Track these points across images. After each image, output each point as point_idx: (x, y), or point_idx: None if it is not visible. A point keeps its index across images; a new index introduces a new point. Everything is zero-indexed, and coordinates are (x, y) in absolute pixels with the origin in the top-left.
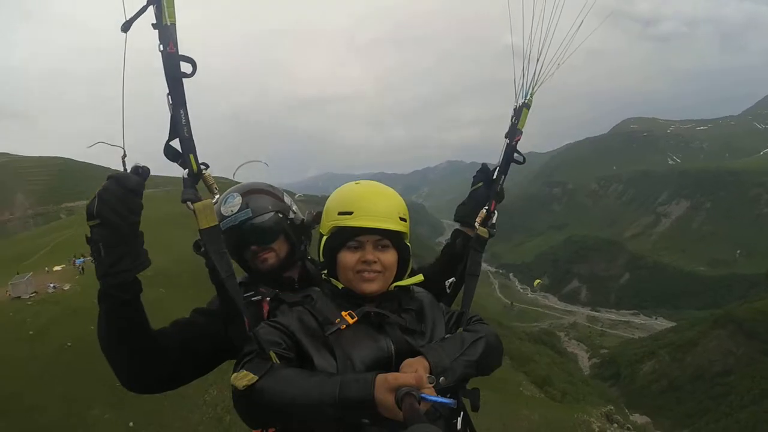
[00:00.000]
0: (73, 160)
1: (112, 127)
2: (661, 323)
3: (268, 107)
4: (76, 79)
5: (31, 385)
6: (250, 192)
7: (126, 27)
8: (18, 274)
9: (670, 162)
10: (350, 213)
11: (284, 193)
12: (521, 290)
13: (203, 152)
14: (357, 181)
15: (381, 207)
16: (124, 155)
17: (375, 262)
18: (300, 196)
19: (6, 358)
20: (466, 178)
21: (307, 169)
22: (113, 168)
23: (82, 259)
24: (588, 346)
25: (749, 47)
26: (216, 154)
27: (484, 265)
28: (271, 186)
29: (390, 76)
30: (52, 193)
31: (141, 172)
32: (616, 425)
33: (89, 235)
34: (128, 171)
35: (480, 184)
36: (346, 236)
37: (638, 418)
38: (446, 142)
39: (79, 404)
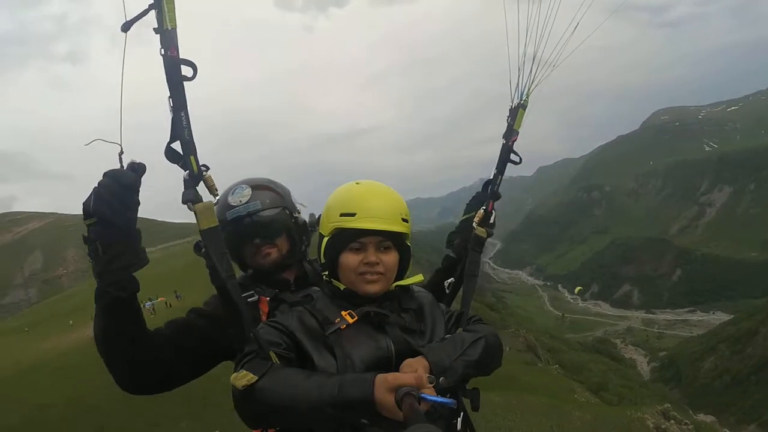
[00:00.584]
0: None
1: (149, 179)
2: (719, 317)
3: (298, 146)
4: (112, 138)
5: (122, 407)
6: (259, 186)
7: (126, 27)
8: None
9: (707, 148)
10: (353, 214)
11: (290, 192)
12: (571, 300)
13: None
14: (357, 181)
15: (384, 208)
16: (121, 152)
17: (378, 263)
18: None
19: (95, 387)
20: (502, 193)
21: None
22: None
23: (150, 302)
24: (646, 350)
25: (765, 16)
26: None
27: (530, 280)
28: (278, 184)
29: (408, 101)
30: None
31: (137, 168)
32: (673, 421)
33: (86, 235)
34: (125, 168)
35: (472, 213)
36: (348, 238)
37: (703, 418)
38: (476, 160)
39: (168, 419)
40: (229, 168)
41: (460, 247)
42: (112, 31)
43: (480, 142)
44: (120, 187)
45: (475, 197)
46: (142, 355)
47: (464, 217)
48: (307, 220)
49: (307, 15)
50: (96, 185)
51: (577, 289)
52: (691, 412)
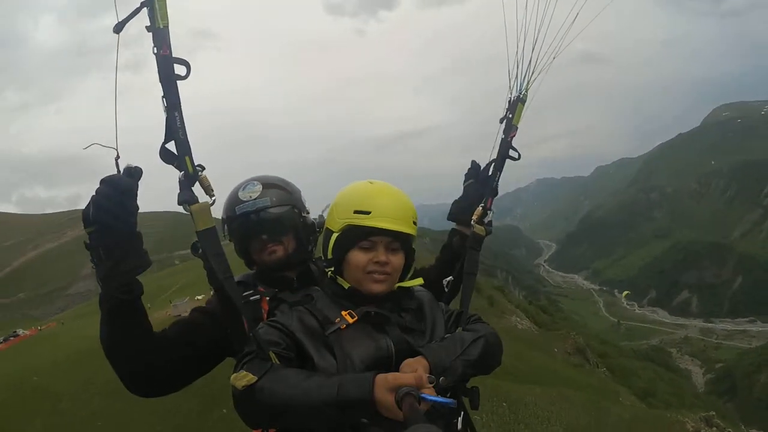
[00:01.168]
0: (183, 213)
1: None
2: None
3: (355, 149)
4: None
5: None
6: (271, 183)
7: (118, 28)
8: (149, 306)
9: None
10: (367, 213)
11: (301, 192)
12: (628, 306)
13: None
14: (371, 180)
15: (398, 209)
16: (117, 157)
17: (387, 263)
18: None
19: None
20: (558, 195)
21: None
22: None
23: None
24: (702, 361)
25: None
26: (312, 199)
27: (586, 284)
28: (289, 183)
29: (461, 101)
30: (166, 242)
31: (133, 172)
32: (715, 429)
33: (88, 242)
34: (121, 172)
35: (471, 180)
36: (359, 235)
37: None
38: (533, 160)
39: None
40: (286, 168)
41: (459, 245)
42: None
43: (537, 141)
44: (118, 194)
45: (459, 202)
46: (149, 358)
47: (465, 184)
48: (316, 221)
49: (357, 19)
50: (94, 193)
51: (625, 293)
52: (742, 426)
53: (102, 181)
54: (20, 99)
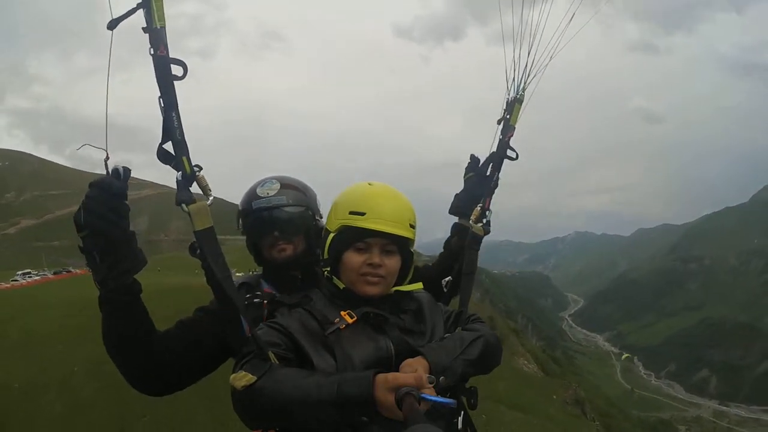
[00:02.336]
0: (223, 200)
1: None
2: None
3: (403, 171)
4: (214, 131)
5: None
6: (289, 184)
7: (112, 25)
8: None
9: None
10: (362, 214)
11: (317, 196)
12: (645, 375)
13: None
14: (370, 182)
15: (393, 211)
16: (107, 158)
17: (381, 266)
18: (427, 257)
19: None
20: (595, 250)
21: (434, 231)
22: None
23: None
24: None
25: None
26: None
27: (607, 345)
28: (307, 186)
29: (522, 140)
30: None
31: (122, 174)
32: None
33: (81, 246)
34: (109, 174)
35: (471, 174)
36: (354, 236)
37: None
38: (576, 211)
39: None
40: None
41: (457, 246)
42: (241, 35)
43: (583, 193)
44: (109, 197)
45: (460, 196)
46: (153, 357)
47: (466, 177)
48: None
49: (423, 46)
50: (84, 198)
51: (625, 356)
52: None
53: (91, 185)
54: (90, 64)
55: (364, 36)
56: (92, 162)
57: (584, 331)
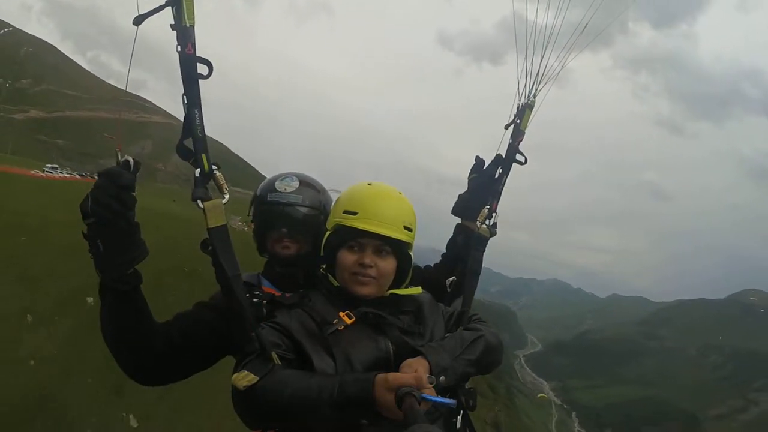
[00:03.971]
0: (229, 150)
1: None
2: None
3: (407, 174)
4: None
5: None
6: (308, 183)
7: (138, 21)
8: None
9: None
10: (355, 213)
11: (332, 201)
12: None
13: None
14: (370, 182)
15: (387, 212)
16: (119, 148)
17: (371, 266)
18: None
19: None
20: (568, 302)
21: (417, 239)
22: (260, 172)
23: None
24: None
25: None
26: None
27: (550, 395)
28: (325, 190)
29: (527, 181)
30: None
31: (132, 166)
32: None
33: (85, 232)
34: (119, 165)
35: (475, 175)
36: (347, 236)
37: None
38: (561, 261)
39: None
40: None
41: (462, 246)
42: None
43: (575, 248)
44: (117, 188)
45: (464, 198)
46: (150, 347)
47: (470, 178)
48: None
49: (461, 59)
50: (93, 187)
51: (540, 395)
52: None
53: (100, 175)
54: None
55: (408, 35)
56: (109, 70)
57: (533, 374)
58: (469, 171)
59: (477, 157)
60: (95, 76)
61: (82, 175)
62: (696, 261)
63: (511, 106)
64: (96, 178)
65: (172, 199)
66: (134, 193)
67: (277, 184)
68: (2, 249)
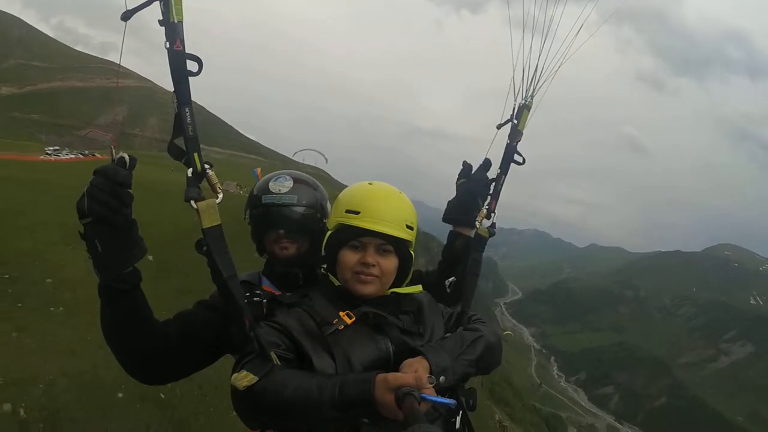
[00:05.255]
0: (207, 110)
1: (246, 83)
2: None
3: (385, 125)
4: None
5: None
6: (302, 181)
7: (126, 16)
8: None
9: (752, 302)
10: (357, 212)
11: (327, 198)
12: (556, 376)
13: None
14: (371, 182)
15: (388, 211)
16: (114, 144)
17: (374, 265)
18: None
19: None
20: (546, 252)
21: (406, 193)
22: (242, 132)
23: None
24: None
25: None
26: (317, 141)
27: (530, 340)
28: (320, 186)
29: (505, 132)
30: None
31: (128, 163)
32: None
33: (82, 232)
34: (114, 162)
35: (463, 180)
36: (349, 235)
37: None
38: (541, 212)
39: None
40: (312, 123)
41: (460, 247)
42: None
43: (554, 199)
44: (114, 186)
45: (458, 198)
46: (151, 346)
47: (458, 183)
48: None
49: (441, 9)
50: (88, 185)
51: (506, 332)
52: None
53: (96, 172)
54: None
55: None
56: (76, 35)
57: (513, 321)
58: (457, 176)
59: (464, 162)
60: (62, 44)
61: (83, 155)
62: (674, 215)
63: (507, 99)
64: (96, 156)
65: (170, 168)
66: (131, 190)
67: (271, 185)
68: None
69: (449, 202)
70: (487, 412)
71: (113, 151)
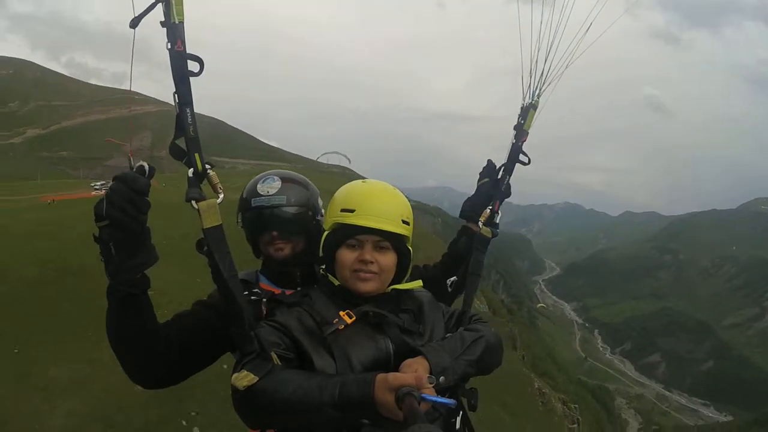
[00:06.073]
0: (226, 123)
1: (261, 95)
2: (728, 420)
3: (400, 114)
4: (224, 50)
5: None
6: (290, 180)
7: (134, 24)
8: None
9: None
10: (352, 211)
11: (318, 194)
12: (601, 348)
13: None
14: (364, 180)
15: (383, 207)
16: (131, 153)
17: (372, 262)
18: (413, 202)
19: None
20: (580, 224)
21: (424, 179)
22: (258, 138)
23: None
24: (644, 420)
25: None
26: (337, 142)
27: (571, 314)
28: (310, 184)
29: (516, 101)
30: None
31: (147, 171)
32: None
33: (97, 235)
34: (133, 169)
35: (486, 179)
36: (345, 234)
37: None
38: (569, 183)
39: None
40: (322, 117)
41: (465, 247)
42: None
43: (580, 169)
44: (133, 193)
45: (472, 200)
46: (153, 351)
47: (480, 183)
48: None
49: None
50: (108, 190)
51: (539, 305)
52: None
53: (116, 179)
54: None
55: None
56: (87, 70)
57: (554, 297)
58: (479, 175)
59: (489, 161)
60: (77, 79)
61: None
62: (705, 173)
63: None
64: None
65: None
66: (148, 198)
67: (259, 187)
68: None
69: (467, 199)
70: (525, 379)
71: (131, 159)
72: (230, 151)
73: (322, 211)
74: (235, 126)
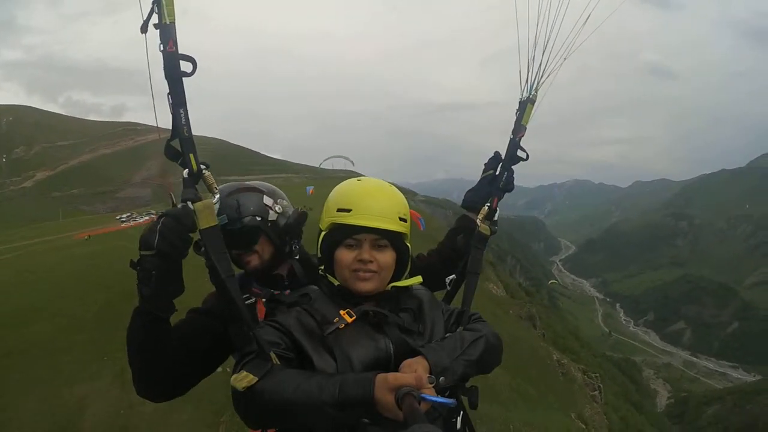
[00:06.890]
0: (229, 143)
1: (261, 110)
2: (757, 380)
3: (404, 111)
4: (227, 71)
5: None
6: (228, 194)
7: (144, 29)
8: None
9: None
10: (348, 210)
11: (267, 194)
12: (624, 322)
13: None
14: (359, 178)
15: (380, 206)
16: (171, 190)
17: (371, 261)
18: (422, 197)
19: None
20: (591, 200)
21: (434, 173)
22: (268, 155)
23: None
24: (673, 388)
25: None
26: (346, 146)
27: (591, 291)
28: (254, 186)
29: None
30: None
31: (192, 209)
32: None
33: (136, 261)
34: (179, 206)
35: (491, 171)
36: (343, 234)
37: None
38: (577, 160)
39: None
40: (334, 116)
41: (463, 243)
42: None
43: (588, 144)
44: (183, 228)
45: (474, 191)
46: (164, 368)
47: (484, 174)
48: (291, 215)
49: None
50: (160, 224)
51: (551, 282)
52: None
53: (167, 214)
54: (81, 7)
55: None
56: (86, 106)
57: (572, 276)
58: (484, 166)
59: (496, 153)
60: (76, 118)
61: (150, 216)
62: (712, 134)
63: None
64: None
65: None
66: (192, 235)
67: None
68: None
69: (469, 189)
70: (544, 353)
71: (173, 197)
72: (239, 170)
73: (276, 207)
74: (239, 144)
